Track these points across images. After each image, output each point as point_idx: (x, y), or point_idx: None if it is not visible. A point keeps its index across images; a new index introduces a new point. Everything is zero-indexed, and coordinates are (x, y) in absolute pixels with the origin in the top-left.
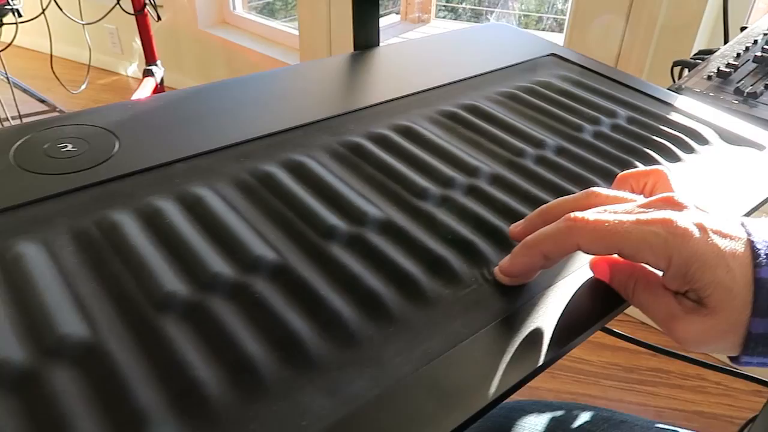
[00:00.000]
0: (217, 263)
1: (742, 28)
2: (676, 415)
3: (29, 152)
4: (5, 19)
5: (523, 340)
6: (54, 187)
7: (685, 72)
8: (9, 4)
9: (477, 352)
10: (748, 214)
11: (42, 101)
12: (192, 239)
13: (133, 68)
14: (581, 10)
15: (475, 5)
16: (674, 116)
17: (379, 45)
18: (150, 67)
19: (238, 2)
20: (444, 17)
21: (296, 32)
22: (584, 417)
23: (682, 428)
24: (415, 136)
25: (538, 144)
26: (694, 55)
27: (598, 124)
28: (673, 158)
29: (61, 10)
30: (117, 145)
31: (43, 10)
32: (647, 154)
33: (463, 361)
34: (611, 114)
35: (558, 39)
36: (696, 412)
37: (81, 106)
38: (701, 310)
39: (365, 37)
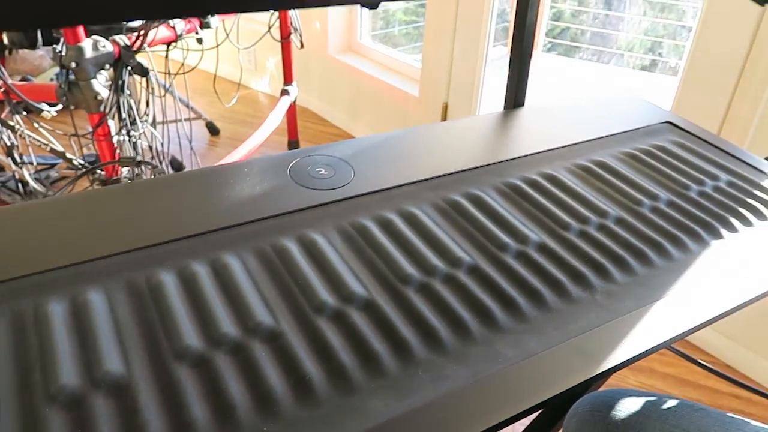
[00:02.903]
0: (433, 258)
1: None
2: None
3: (299, 172)
4: (192, 46)
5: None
6: (319, 199)
7: None
8: (197, 33)
9: (623, 328)
10: None
11: (190, 108)
12: (412, 241)
13: (263, 84)
14: (692, 75)
15: (575, 40)
16: (767, 183)
17: (524, 105)
18: (287, 87)
19: (365, 32)
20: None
21: (415, 63)
22: (672, 403)
23: (752, 420)
24: (558, 182)
25: (653, 197)
26: None
27: (702, 185)
28: (761, 217)
29: (229, 39)
30: (353, 173)
31: (218, 44)
32: (741, 213)
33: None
34: (714, 177)
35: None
36: None
37: (219, 115)
38: None
39: (514, 97)
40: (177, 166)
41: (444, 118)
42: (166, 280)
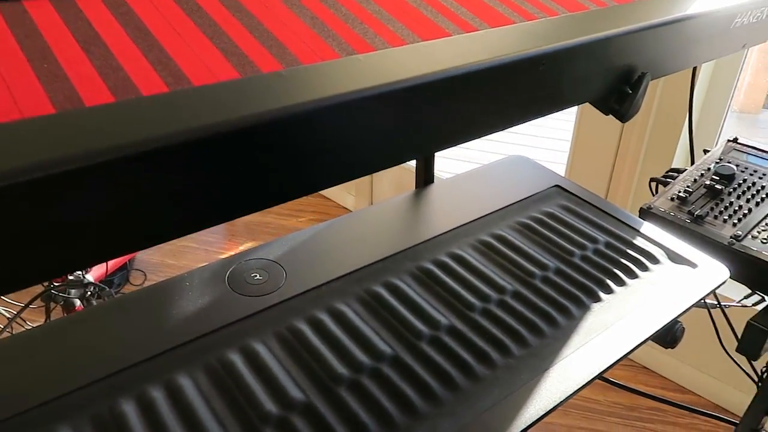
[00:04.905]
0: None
1: (705, 151)
2: None
3: (236, 280)
4: None
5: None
6: (257, 306)
7: (661, 187)
8: None
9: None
10: (679, 317)
11: None
12: (341, 339)
13: None
14: (581, 140)
15: None
16: (638, 241)
17: (433, 181)
18: None
19: None
20: None
21: None
22: None
23: None
24: (464, 262)
25: (543, 267)
26: (666, 173)
27: (584, 249)
28: (632, 275)
29: None
30: (285, 275)
31: None
32: (615, 274)
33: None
34: (594, 240)
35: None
36: None
37: None
38: None
39: (424, 175)
40: None
41: None
42: (127, 410)
